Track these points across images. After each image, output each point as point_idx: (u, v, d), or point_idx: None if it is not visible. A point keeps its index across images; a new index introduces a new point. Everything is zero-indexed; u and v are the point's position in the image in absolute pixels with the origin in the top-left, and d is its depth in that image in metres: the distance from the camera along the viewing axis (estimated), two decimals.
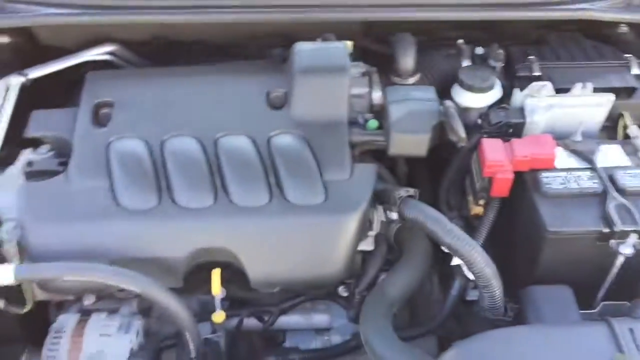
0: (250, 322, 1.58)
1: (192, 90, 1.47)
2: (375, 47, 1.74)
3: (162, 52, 1.69)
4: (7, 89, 1.47)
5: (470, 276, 1.32)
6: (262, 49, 1.70)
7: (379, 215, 1.45)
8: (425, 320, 1.51)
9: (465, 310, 1.48)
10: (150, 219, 1.31)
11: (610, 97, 1.47)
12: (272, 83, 1.47)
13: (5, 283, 1.20)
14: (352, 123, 1.49)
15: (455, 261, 1.34)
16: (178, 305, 1.25)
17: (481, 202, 1.45)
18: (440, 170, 1.61)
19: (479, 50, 1.65)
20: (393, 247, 1.52)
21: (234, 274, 1.45)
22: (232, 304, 1.56)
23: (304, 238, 1.33)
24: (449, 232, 1.29)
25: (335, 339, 1.58)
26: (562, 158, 1.42)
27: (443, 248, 1.33)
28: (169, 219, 1.31)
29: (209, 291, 1.45)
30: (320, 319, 1.60)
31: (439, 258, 1.51)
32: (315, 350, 1.57)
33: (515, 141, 1.41)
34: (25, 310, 1.38)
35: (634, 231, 1.28)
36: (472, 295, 1.46)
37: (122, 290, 1.38)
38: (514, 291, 1.37)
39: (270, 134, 1.41)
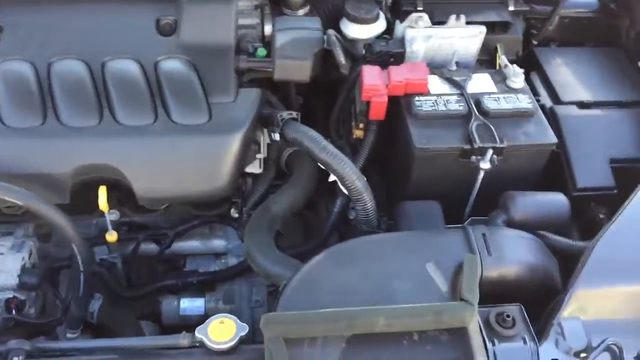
0: (149, 248, 1.65)
1: (82, 15, 1.49)
2: None
3: None
4: None
5: (345, 190, 1.42)
6: None
7: (265, 138, 1.53)
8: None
9: (347, 229, 1.58)
10: (35, 136, 1.35)
11: (482, 29, 1.57)
12: (162, 10, 1.51)
13: None
14: (241, 51, 1.54)
15: (331, 178, 1.43)
16: (61, 218, 1.29)
17: (361, 125, 1.54)
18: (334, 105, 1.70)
19: None
20: (284, 172, 1.60)
21: (126, 197, 1.51)
22: (130, 229, 1.62)
23: (187, 156, 1.39)
24: (323, 148, 1.39)
25: (232, 261, 1.67)
26: (436, 84, 1.52)
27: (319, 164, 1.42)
28: (54, 136, 1.35)
29: (103, 214, 1.51)
30: (217, 243, 1.68)
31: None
32: (211, 273, 1.65)
33: (392, 68, 1.50)
34: None
35: (492, 147, 1.39)
36: (352, 215, 1.56)
37: (9, 207, 1.42)
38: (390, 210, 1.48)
39: (158, 59, 1.45)
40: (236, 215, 1.59)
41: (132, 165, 1.37)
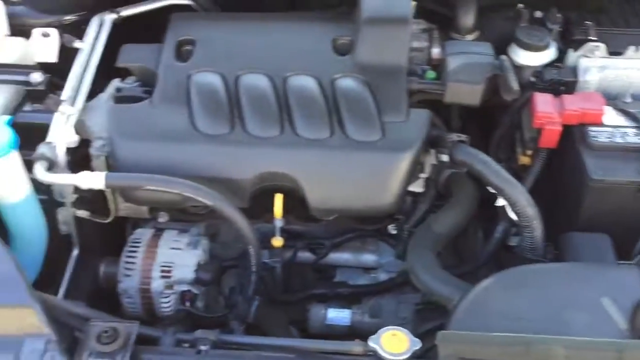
0: (304, 256, 1.72)
1: (266, 33, 1.60)
2: (437, 8, 1.84)
3: (237, 2, 1.83)
4: (101, 24, 1.63)
5: (513, 216, 1.41)
6: (328, 6, 1.83)
7: (430, 159, 1.56)
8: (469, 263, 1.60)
9: (507, 256, 1.57)
10: (223, 143, 1.45)
11: None
12: (339, 30, 1.59)
13: (97, 187, 1.36)
14: (411, 73, 1.59)
15: (500, 202, 1.43)
16: (244, 221, 1.38)
17: (529, 152, 1.53)
18: (492, 130, 1.70)
19: (538, 14, 1.71)
20: (442, 194, 1.62)
21: (292, 206, 1.59)
22: (289, 237, 1.70)
23: (360, 171, 1.44)
24: (495, 172, 1.39)
25: (382, 276, 1.69)
26: (611, 116, 1.49)
27: (489, 189, 1.43)
28: (239, 144, 1.45)
29: (268, 221, 1.59)
30: (368, 258, 1.72)
31: (486, 215, 1.61)
32: (362, 286, 1.69)
33: (565, 96, 1.48)
34: (109, 220, 1.55)
35: None
36: (513, 241, 1.55)
37: (195, 206, 1.53)
38: (555, 239, 1.45)
39: (335, 77, 1.52)
40: (394, 232, 1.62)
41: (308, 176, 1.44)
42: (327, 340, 1.26)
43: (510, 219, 1.47)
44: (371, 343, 1.16)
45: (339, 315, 1.70)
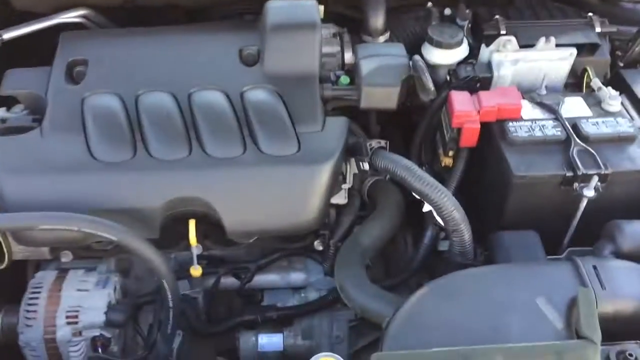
0: (228, 282, 1.61)
1: (165, 48, 1.49)
2: (346, 12, 1.78)
3: (132, 17, 1.71)
4: None
5: (440, 221, 1.36)
6: (232, 15, 1.73)
7: (351, 168, 1.49)
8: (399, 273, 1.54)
9: (437, 262, 1.52)
10: (125, 170, 1.33)
11: (572, 51, 1.52)
12: (245, 40, 1.50)
13: None
14: (324, 80, 1.51)
15: (426, 207, 1.38)
16: (154, 253, 1.26)
17: (451, 153, 1.49)
18: (411, 133, 1.65)
19: (447, 11, 1.68)
20: (366, 203, 1.56)
21: (210, 230, 1.48)
22: (209, 263, 1.58)
23: (278, 187, 1.35)
24: (419, 178, 1.34)
25: (312, 295, 1.61)
26: (528, 109, 1.47)
27: (414, 194, 1.37)
28: (144, 170, 1.33)
29: (185, 248, 1.48)
30: (296, 277, 1.63)
31: (413, 220, 1.56)
32: (293, 307, 1.59)
33: (482, 93, 1.45)
34: (3, 266, 1.39)
35: (596, 174, 1.32)
36: (443, 246, 1.50)
37: (98, 242, 1.40)
38: (484, 239, 1.41)
39: (244, 89, 1.43)
40: (320, 248, 1.54)
41: (222, 198, 1.34)
42: None
43: (438, 224, 1.42)
44: None
45: (270, 341, 1.60)
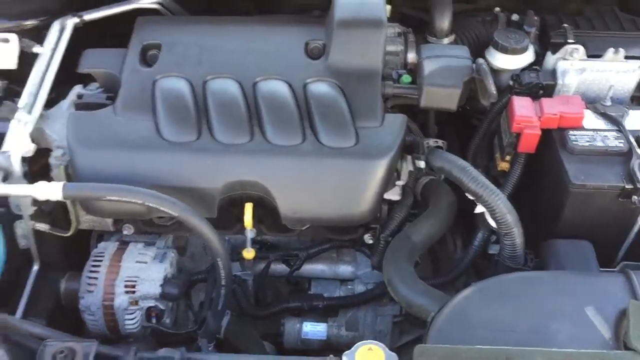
0: (278, 268, 1.65)
1: (235, 37, 1.54)
2: (412, 12, 1.80)
3: (206, 7, 1.77)
4: (62, 29, 1.56)
5: (493, 223, 1.36)
6: (299, 10, 1.78)
7: (407, 166, 1.50)
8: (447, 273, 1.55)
9: (486, 265, 1.52)
10: (189, 151, 1.38)
11: None
12: (312, 34, 1.54)
13: (54, 199, 1.28)
14: (386, 78, 1.54)
15: (479, 209, 1.38)
16: (211, 232, 1.31)
17: (508, 157, 1.49)
18: (470, 135, 1.66)
19: (515, 17, 1.68)
20: (418, 201, 1.57)
21: (265, 215, 1.52)
22: (261, 248, 1.63)
23: (333, 178, 1.38)
24: (474, 179, 1.34)
25: (359, 288, 1.64)
26: (591, 119, 1.45)
27: (468, 195, 1.38)
28: (207, 152, 1.38)
29: (238, 231, 1.53)
30: (344, 269, 1.66)
31: (464, 223, 1.56)
32: (339, 298, 1.62)
33: (544, 100, 1.44)
34: (69, 233, 1.47)
35: None
36: (493, 250, 1.50)
37: (160, 217, 1.46)
38: (535, 246, 1.41)
39: (307, 81, 1.47)
40: (370, 242, 1.56)
41: (279, 184, 1.37)
42: (300, 357, 1.20)
43: (489, 227, 1.42)
44: (345, 358, 1.11)
45: (314, 329, 1.65)
